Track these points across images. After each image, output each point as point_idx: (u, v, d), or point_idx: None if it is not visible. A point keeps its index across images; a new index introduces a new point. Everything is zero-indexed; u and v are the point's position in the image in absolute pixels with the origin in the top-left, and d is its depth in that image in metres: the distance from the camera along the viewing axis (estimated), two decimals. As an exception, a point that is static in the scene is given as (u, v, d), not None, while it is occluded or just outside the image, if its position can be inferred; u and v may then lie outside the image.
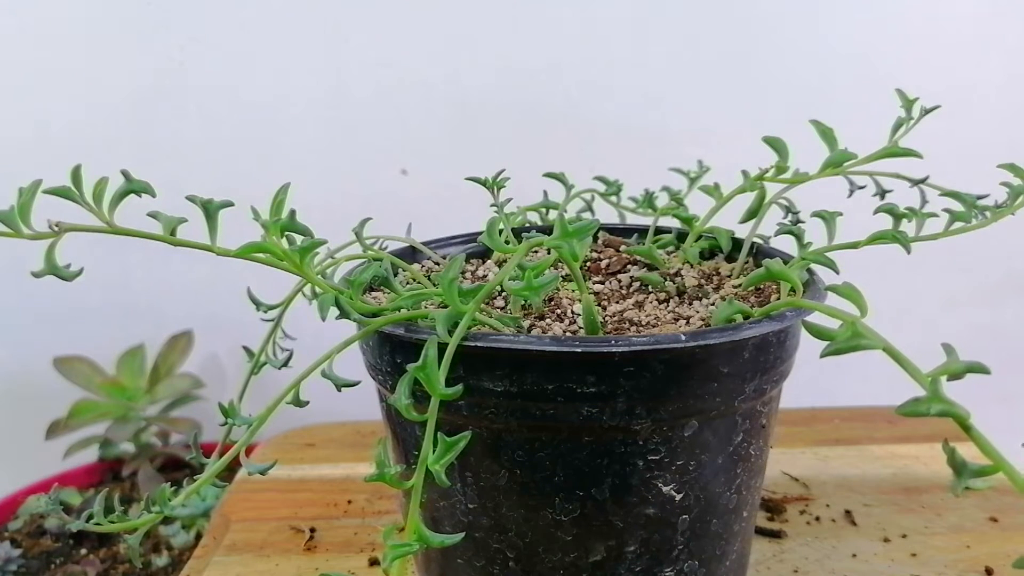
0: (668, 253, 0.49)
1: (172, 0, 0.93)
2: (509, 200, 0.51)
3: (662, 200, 0.54)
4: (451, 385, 0.28)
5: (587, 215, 0.57)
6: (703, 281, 0.44)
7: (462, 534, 0.28)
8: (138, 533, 0.35)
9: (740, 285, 0.43)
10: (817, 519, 0.57)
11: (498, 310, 0.41)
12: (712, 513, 0.37)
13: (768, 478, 0.45)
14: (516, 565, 0.37)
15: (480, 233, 0.43)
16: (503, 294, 0.42)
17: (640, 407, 0.33)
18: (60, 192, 0.29)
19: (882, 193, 0.47)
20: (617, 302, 0.41)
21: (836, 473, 0.64)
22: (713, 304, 0.40)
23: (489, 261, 0.49)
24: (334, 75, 0.96)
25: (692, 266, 0.46)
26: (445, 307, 0.30)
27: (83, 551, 0.86)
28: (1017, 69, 0.95)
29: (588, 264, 0.47)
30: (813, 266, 0.39)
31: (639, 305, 0.41)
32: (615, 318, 0.39)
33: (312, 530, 0.58)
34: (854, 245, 0.40)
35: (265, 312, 0.45)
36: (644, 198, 0.55)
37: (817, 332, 0.28)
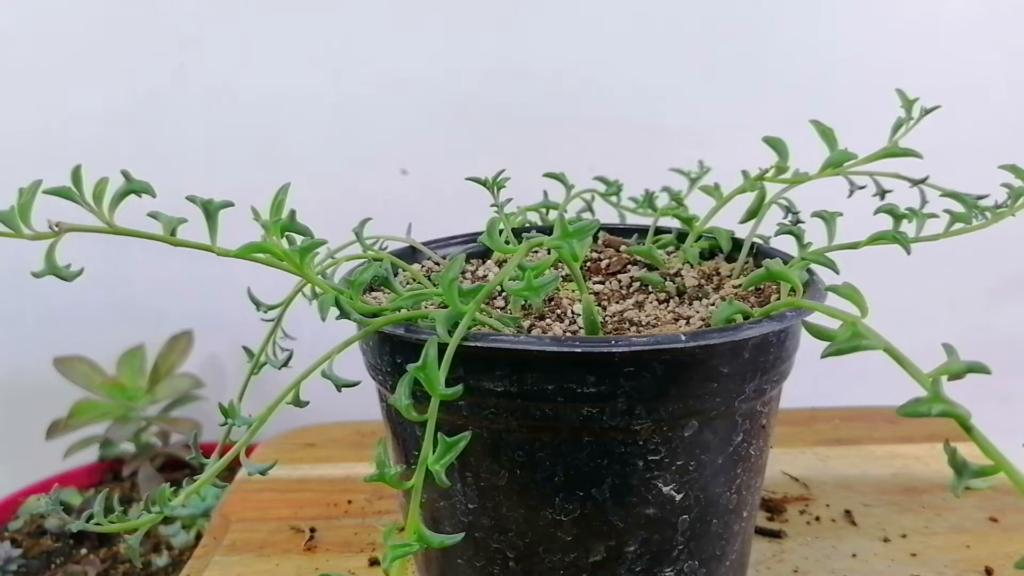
0: (668, 253, 0.49)
1: (172, 1, 0.93)
2: (509, 200, 0.51)
3: (662, 200, 0.54)
4: (451, 385, 0.28)
5: (587, 215, 0.57)
6: (703, 281, 0.44)
7: (462, 534, 0.28)
8: (138, 533, 0.35)
9: (740, 285, 0.43)
10: (817, 519, 0.57)
11: (498, 310, 0.41)
12: (712, 513, 0.37)
13: (768, 478, 0.45)
14: (516, 565, 0.37)
15: (480, 233, 0.43)
16: (503, 294, 0.42)
17: (640, 407, 0.33)
18: (60, 192, 0.29)
19: (882, 193, 0.47)
20: (617, 302, 0.41)
21: (836, 473, 0.64)
22: (713, 304, 0.40)
23: (489, 261, 0.49)
24: (334, 75, 0.96)
25: (692, 266, 0.46)
26: (445, 307, 0.30)
27: (83, 551, 0.86)
28: (1018, 69, 0.95)
29: (588, 264, 0.47)
30: (813, 266, 0.39)
31: (639, 305, 0.41)
32: (615, 318, 0.39)
33: (312, 530, 0.58)
34: (854, 245, 0.40)
35: (265, 312, 0.45)
36: (644, 198, 0.55)
37: (817, 332, 0.28)
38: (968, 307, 1.05)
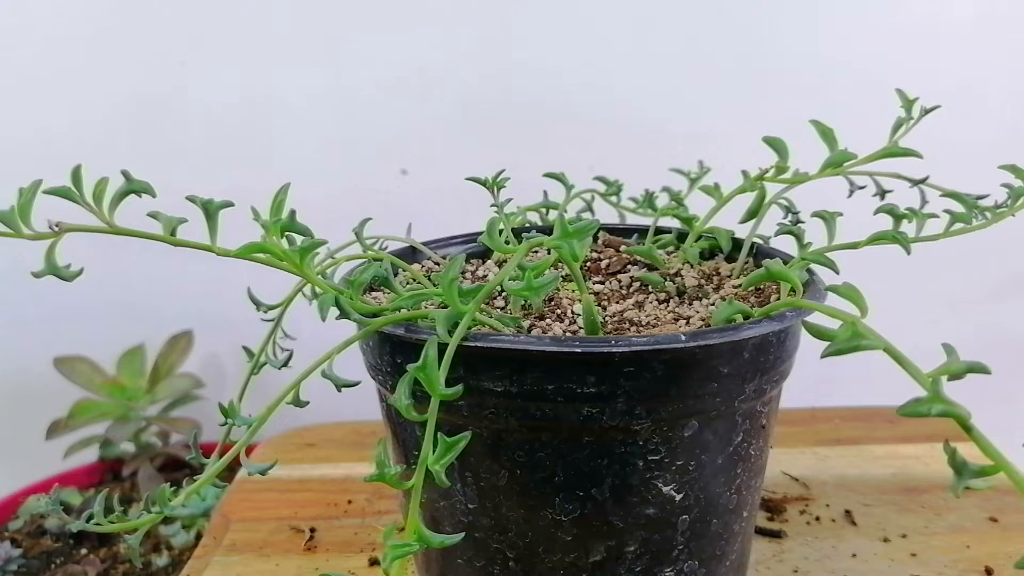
0: (668, 253, 0.49)
1: (173, 1, 0.93)
2: (509, 200, 0.51)
3: (662, 200, 0.54)
4: (451, 385, 0.28)
5: (587, 215, 0.56)
6: (703, 281, 0.44)
7: (462, 534, 0.28)
8: (138, 533, 0.35)
9: (740, 285, 0.43)
10: (817, 519, 0.57)
11: (498, 310, 0.41)
12: (712, 513, 0.37)
13: (768, 478, 0.45)
14: (516, 565, 0.37)
15: (480, 233, 0.43)
16: (503, 294, 0.42)
17: (640, 407, 0.33)
18: (60, 192, 0.29)
19: (882, 193, 0.47)
20: (617, 302, 0.41)
21: (836, 473, 0.64)
22: (713, 304, 0.40)
23: (489, 261, 0.49)
24: (334, 75, 0.96)
25: (692, 266, 0.46)
26: (445, 307, 0.30)
27: (83, 551, 0.86)
28: (1018, 69, 0.95)
29: (588, 264, 0.47)
30: (813, 266, 0.39)
31: (639, 305, 0.41)
32: (615, 318, 0.39)
33: (312, 530, 0.58)
34: (854, 245, 0.40)
35: (265, 312, 0.45)
36: (644, 198, 0.55)
37: (817, 332, 0.28)
38: (968, 307, 1.04)
